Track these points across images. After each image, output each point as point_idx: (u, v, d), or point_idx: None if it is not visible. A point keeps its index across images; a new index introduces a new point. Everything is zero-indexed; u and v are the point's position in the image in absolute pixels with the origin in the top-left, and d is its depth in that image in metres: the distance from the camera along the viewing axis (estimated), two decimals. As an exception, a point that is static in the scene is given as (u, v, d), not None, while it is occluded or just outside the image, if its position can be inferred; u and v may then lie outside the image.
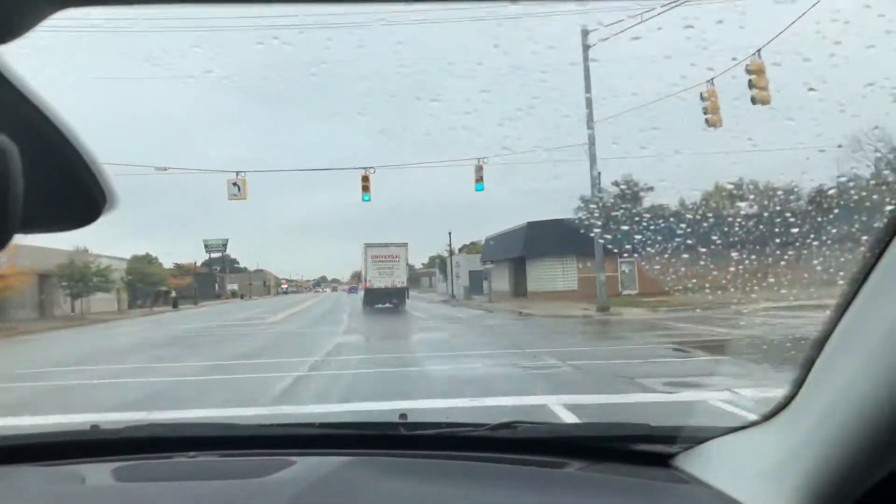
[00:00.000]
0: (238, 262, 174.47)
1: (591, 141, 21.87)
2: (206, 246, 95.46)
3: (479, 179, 23.74)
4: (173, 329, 25.80)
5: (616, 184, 40.04)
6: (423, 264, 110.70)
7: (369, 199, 24.14)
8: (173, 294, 79.57)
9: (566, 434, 1.59)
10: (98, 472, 1.33)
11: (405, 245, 38.06)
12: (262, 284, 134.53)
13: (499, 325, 21.69)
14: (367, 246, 37.66)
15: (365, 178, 23.79)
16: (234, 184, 23.26)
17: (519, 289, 42.75)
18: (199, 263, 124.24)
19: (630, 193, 40.56)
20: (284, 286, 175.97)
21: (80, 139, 0.61)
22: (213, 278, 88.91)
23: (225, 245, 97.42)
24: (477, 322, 23.26)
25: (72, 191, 0.63)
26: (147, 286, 59.78)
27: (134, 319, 35.86)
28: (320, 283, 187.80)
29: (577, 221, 30.06)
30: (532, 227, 37.45)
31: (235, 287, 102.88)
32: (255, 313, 38.09)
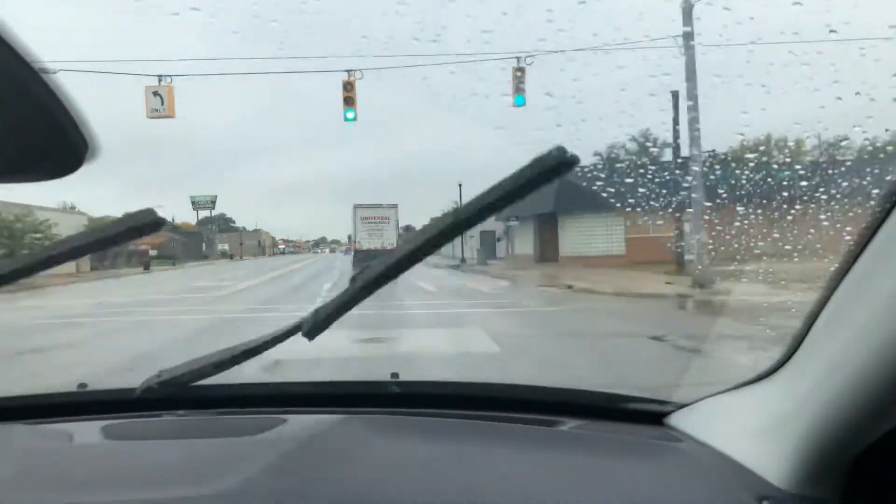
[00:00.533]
0: (234, 222, 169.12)
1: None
2: (193, 203, 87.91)
3: (520, 91, 16.10)
4: (76, 304, 18.35)
5: (634, 139, 32.14)
6: (423, 226, 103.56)
7: (354, 118, 16.55)
8: (152, 254, 72.66)
9: (561, 394, 1.57)
10: (85, 430, 1.34)
11: (395, 206, 37.48)
12: (256, 244, 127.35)
13: (554, 312, 14.31)
14: (357, 207, 37.05)
15: (348, 87, 16.11)
16: (156, 93, 15.61)
17: (546, 252, 35.15)
18: (195, 223, 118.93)
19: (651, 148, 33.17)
20: (282, 246, 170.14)
21: (59, 83, 0.59)
22: (200, 238, 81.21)
23: (214, 202, 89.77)
24: (514, 302, 16.06)
25: (50, 137, 0.60)
26: (109, 245, 52.18)
27: (67, 286, 28.87)
28: (319, 244, 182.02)
29: (630, 165, 22.32)
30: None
31: (226, 247, 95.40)
32: (226, 277, 33.22)
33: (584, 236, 30.95)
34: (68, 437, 1.27)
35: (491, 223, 47.15)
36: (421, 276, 30.26)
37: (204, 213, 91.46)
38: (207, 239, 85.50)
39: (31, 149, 0.61)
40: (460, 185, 46.81)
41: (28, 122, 0.59)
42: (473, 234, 46.06)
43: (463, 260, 41.67)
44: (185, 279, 33.68)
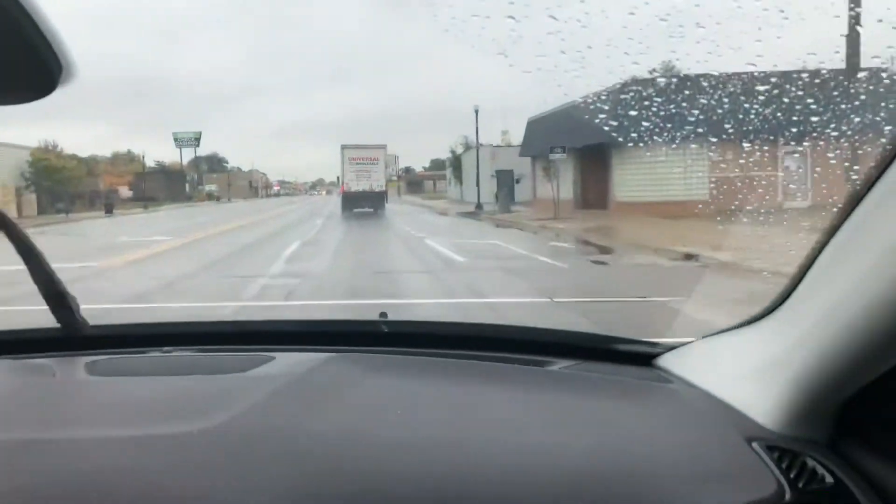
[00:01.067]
0: (227, 162, 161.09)
1: None
2: (175, 140, 78.76)
3: None
4: None
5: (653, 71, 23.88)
6: (423, 168, 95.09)
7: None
8: (125, 195, 64.88)
9: (551, 334, 1.57)
10: (69, 366, 1.31)
11: (384, 147, 37.07)
12: (248, 185, 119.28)
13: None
14: (344, 147, 36.41)
15: None
16: None
17: (592, 196, 27.39)
18: (185, 163, 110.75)
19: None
20: (276, 188, 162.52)
21: (32, 2, 0.57)
22: (182, 177, 72.79)
23: (198, 139, 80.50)
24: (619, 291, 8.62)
25: (22, 58, 0.59)
26: (56, 185, 44.65)
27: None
28: (316, 185, 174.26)
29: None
30: (629, 88, 21.56)
31: (213, 188, 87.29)
32: (202, 222, 29.32)
33: (651, 175, 23.11)
34: (52, 373, 1.25)
35: (510, 159, 39.41)
36: (420, 226, 23.58)
37: (188, 152, 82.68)
38: (191, 179, 77.26)
39: (2, 70, 0.58)
40: (476, 111, 38.31)
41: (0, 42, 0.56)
42: (483, 174, 38.30)
43: (479, 206, 33.72)
44: (132, 226, 27.84)
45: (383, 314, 1.54)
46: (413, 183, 69.94)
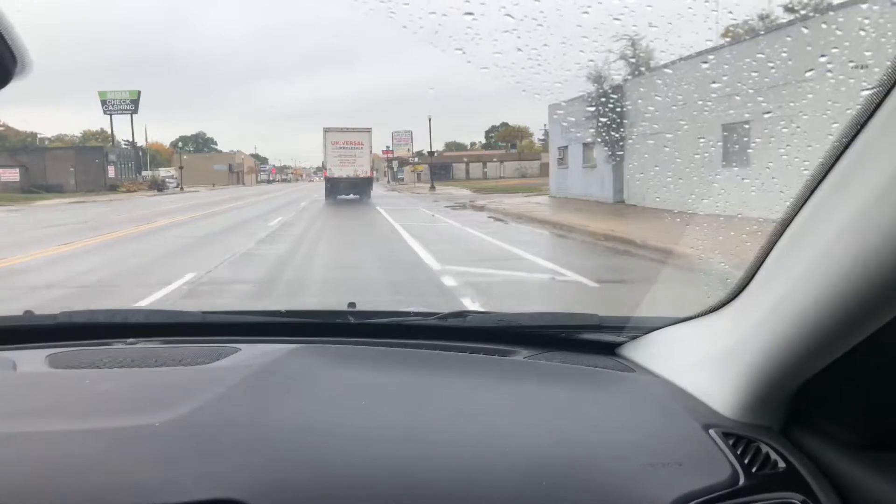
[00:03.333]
0: (215, 143, 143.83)
1: None
2: (103, 102, 59.74)
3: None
4: None
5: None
6: (419, 153, 77.22)
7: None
8: (6, 180, 47.28)
9: (516, 323, 1.53)
10: (31, 359, 1.28)
11: (369, 130, 35.80)
12: (226, 169, 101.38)
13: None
14: (327, 130, 34.85)
15: None
16: None
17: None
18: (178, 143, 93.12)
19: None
20: (273, 172, 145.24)
21: None
22: (102, 156, 54.34)
23: (136, 101, 61.52)
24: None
25: None
26: None
27: None
28: (319, 171, 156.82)
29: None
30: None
31: (171, 173, 69.27)
32: None
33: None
34: (12, 365, 1.23)
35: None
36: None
37: (122, 117, 63.77)
38: (119, 160, 58.73)
39: None
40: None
41: None
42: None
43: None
44: None
45: (352, 304, 1.57)
46: (442, 167, 51.60)
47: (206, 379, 1.14)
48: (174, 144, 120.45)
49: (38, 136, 68.19)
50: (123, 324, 1.47)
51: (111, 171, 55.00)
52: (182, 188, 62.14)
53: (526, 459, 0.94)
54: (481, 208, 22.99)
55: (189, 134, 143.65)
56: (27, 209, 31.62)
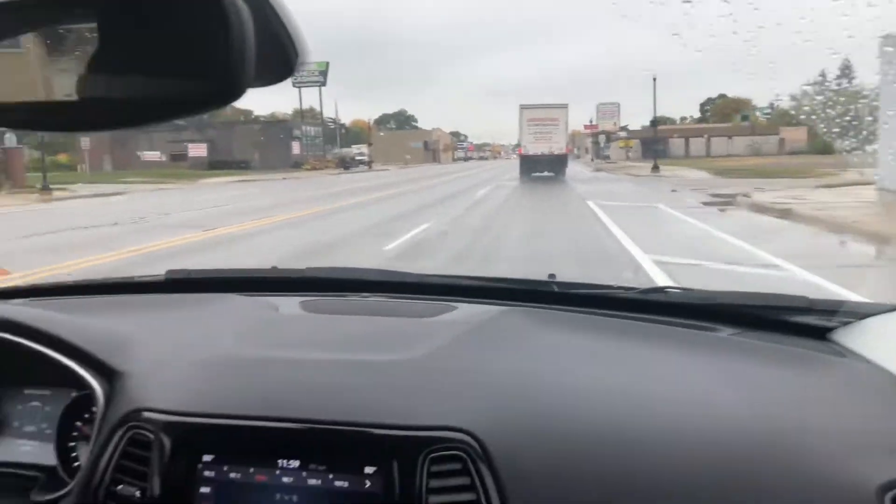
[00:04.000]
0: (416, 120, 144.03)
1: None
2: (293, 81, 57.79)
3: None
4: None
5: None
6: (624, 128, 66.75)
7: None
8: (194, 155, 45.69)
9: (719, 301, 1.48)
10: (287, 304, 1.43)
11: (565, 106, 35.23)
12: (421, 147, 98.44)
13: None
14: (523, 107, 34.80)
15: None
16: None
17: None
18: (372, 122, 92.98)
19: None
20: (470, 149, 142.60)
21: None
22: (287, 132, 51.26)
23: (324, 72, 58.06)
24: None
25: (271, 45, 0.61)
26: None
27: None
28: (515, 148, 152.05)
29: None
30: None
31: (362, 150, 66.30)
32: None
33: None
34: (274, 308, 1.39)
35: None
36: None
37: (311, 91, 60.90)
38: (307, 136, 55.56)
39: (259, 57, 0.60)
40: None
41: (255, 31, 0.59)
42: None
43: None
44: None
45: (551, 275, 1.61)
46: (655, 142, 41.92)
47: (433, 329, 1.24)
48: (376, 122, 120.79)
49: (253, 114, 68.58)
50: (356, 279, 1.60)
51: (296, 148, 52.31)
52: (370, 166, 58.47)
53: (729, 427, 0.95)
54: (783, 213, 12.68)
55: (391, 112, 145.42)
56: (188, 188, 28.06)
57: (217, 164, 46.56)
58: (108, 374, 1.10)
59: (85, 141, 33.22)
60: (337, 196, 21.16)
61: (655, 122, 42.89)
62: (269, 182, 32.88)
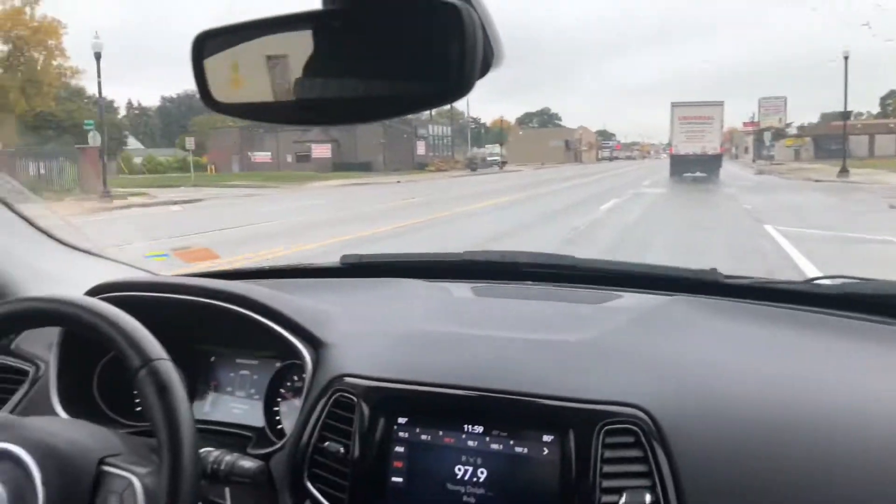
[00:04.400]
0: (559, 119, 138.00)
1: None
2: None
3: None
4: None
5: None
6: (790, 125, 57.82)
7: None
8: (317, 156, 43.44)
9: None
10: (460, 288, 1.49)
11: (720, 104, 33.83)
12: (562, 146, 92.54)
13: None
14: (675, 105, 34.04)
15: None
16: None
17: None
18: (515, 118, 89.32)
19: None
20: (617, 148, 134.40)
21: None
22: (411, 135, 47.89)
23: None
24: None
25: (483, 45, 0.65)
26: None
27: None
28: (665, 148, 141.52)
29: None
30: None
31: (496, 151, 62.22)
32: None
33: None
34: (449, 292, 1.47)
35: None
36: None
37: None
38: (433, 136, 51.54)
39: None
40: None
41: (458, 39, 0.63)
42: None
43: None
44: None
45: (713, 269, 1.60)
46: (829, 139, 34.68)
47: (602, 314, 1.27)
48: (518, 120, 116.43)
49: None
50: (517, 263, 1.61)
51: (420, 148, 49.15)
52: (502, 167, 54.16)
53: None
54: None
55: (534, 110, 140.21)
56: (282, 194, 25.30)
57: (341, 165, 44.41)
58: (316, 344, 1.20)
59: (189, 141, 31.77)
60: (412, 208, 17.01)
61: (846, 113, 34.71)
62: (373, 186, 29.51)
